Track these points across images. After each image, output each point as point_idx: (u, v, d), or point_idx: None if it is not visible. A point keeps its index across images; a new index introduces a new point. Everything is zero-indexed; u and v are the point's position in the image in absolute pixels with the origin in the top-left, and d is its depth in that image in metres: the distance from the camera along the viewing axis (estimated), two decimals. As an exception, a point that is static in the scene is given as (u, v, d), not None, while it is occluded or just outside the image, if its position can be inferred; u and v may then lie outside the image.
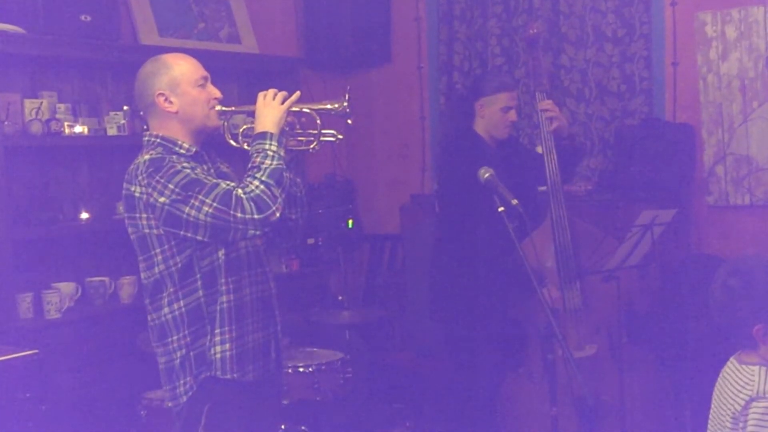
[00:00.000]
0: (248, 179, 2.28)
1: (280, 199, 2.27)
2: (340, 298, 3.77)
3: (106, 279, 3.85)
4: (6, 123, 3.47)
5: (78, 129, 3.74)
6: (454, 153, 3.46)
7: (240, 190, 2.25)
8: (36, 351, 2.96)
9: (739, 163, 4.04)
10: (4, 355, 2.87)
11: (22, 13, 3.56)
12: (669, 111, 4.27)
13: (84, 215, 3.81)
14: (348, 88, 2.48)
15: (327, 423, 3.50)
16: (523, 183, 3.31)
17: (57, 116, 3.69)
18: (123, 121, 3.89)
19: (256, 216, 2.23)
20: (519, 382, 3.38)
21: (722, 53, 4.03)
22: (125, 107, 3.94)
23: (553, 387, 2.66)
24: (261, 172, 2.28)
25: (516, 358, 3.39)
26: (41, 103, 3.65)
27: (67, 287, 3.72)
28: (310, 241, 4.61)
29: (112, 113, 3.91)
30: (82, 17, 3.70)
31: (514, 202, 2.55)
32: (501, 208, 2.59)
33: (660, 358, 3.53)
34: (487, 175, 2.64)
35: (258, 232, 2.26)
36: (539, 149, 3.71)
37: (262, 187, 2.26)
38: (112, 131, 3.87)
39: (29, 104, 3.62)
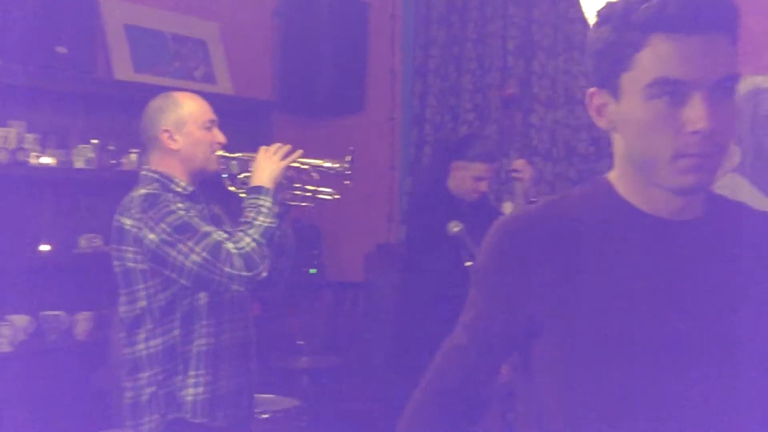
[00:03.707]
0: (240, 234, 2.30)
1: (268, 259, 2.29)
2: (300, 343, 3.74)
3: (62, 314, 3.78)
4: (-28, 150, 3.43)
5: (45, 160, 3.71)
6: (425, 205, 3.47)
7: (231, 244, 2.26)
8: (-14, 384, 2.89)
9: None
10: (-48, 387, 2.80)
11: (-3, 41, 3.55)
12: (635, 175, 4.33)
13: (44, 247, 3.75)
14: (351, 149, 2.51)
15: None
16: None
17: (24, 146, 3.65)
18: (91, 155, 3.86)
19: (244, 273, 2.24)
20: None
21: (689, 122, 4.10)
22: (94, 141, 3.91)
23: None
24: (253, 229, 2.30)
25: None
26: (9, 132, 3.61)
27: (20, 320, 3.63)
28: (273, 285, 4.58)
29: (80, 146, 3.88)
30: (58, 48, 3.68)
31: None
32: (468, 263, 2.60)
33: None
34: (456, 228, 2.66)
35: (242, 289, 2.27)
36: (506, 207, 3.73)
37: (253, 245, 2.28)
38: (79, 164, 3.84)
39: (-3, 132, 3.58)
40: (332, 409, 3.84)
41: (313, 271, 4.95)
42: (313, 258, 4.87)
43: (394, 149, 5.13)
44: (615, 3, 1.25)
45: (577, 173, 4.50)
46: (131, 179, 3.98)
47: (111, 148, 3.97)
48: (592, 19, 3.52)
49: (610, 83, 1.26)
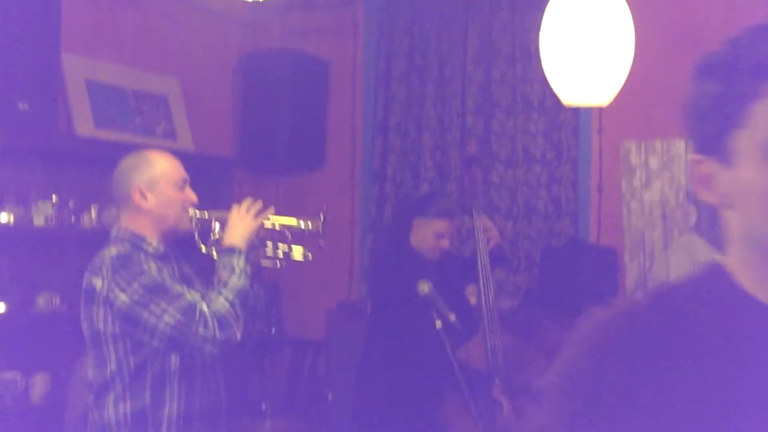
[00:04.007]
0: (214, 295, 2.27)
1: (241, 321, 2.26)
2: (263, 407, 3.68)
3: (18, 375, 3.68)
4: (-72, 207, 3.36)
5: (3, 218, 3.64)
6: (388, 263, 3.47)
7: (204, 305, 2.23)
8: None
9: (659, 288, 4.15)
10: None
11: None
12: (593, 234, 4.41)
13: (1, 307, 3.66)
14: (324, 207, 2.50)
15: None
16: (457, 294, 3.33)
17: (-19, 203, 3.59)
18: (51, 212, 3.80)
19: (218, 335, 2.21)
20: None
21: (645, 181, 4.21)
22: (54, 197, 3.86)
23: None
24: (227, 290, 2.28)
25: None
26: (-33, 188, 3.55)
27: (-26, 382, 3.54)
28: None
29: (39, 202, 3.82)
30: (20, 105, 3.64)
31: (452, 318, 2.58)
32: (438, 323, 2.61)
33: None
34: (426, 289, 2.66)
35: (215, 351, 2.23)
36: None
37: (227, 306, 2.25)
38: (38, 221, 3.77)
39: (-46, 189, 3.51)
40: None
41: (272, 331, 4.90)
42: (272, 317, 4.82)
43: (354, 206, 5.14)
44: (717, 52, 1.04)
45: (536, 232, 4.56)
46: (91, 237, 3.96)
47: (71, 204, 3.92)
48: (549, 79, 3.56)
49: (717, 147, 1.02)
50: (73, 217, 3.92)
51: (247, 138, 5.04)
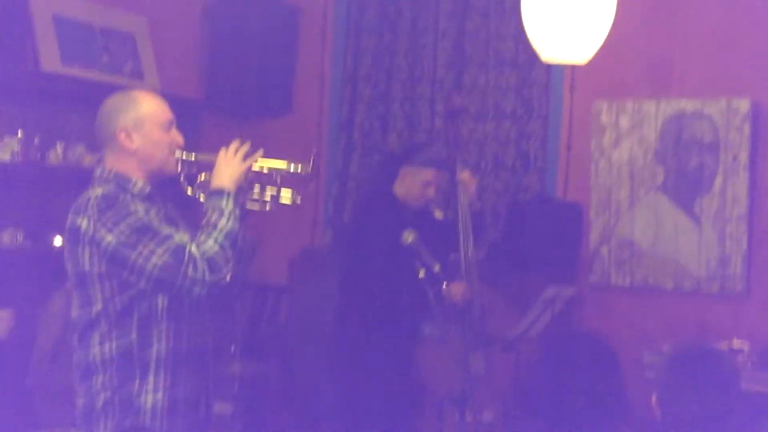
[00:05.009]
0: (203, 237, 2.25)
1: (231, 263, 2.25)
2: (232, 349, 3.69)
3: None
4: None
5: (-32, 151, 3.55)
6: (372, 212, 3.48)
7: (194, 247, 2.21)
8: None
9: (622, 246, 4.25)
10: None
11: None
12: (560, 190, 4.46)
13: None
14: (315, 151, 2.48)
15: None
16: (438, 245, 3.36)
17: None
18: (16, 148, 3.72)
19: (207, 277, 2.20)
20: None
21: (615, 141, 4.27)
22: (20, 133, 3.77)
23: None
24: (217, 232, 2.26)
25: (412, 424, 3.38)
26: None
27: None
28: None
29: (6, 138, 3.73)
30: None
31: (437, 267, 2.61)
32: (421, 273, 2.64)
33: None
34: (410, 238, 2.69)
35: (203, 293, 2.22)
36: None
37: (216, 248, 2.24)
38: (4, 157, 3.69)
39: None
40: (266, 415, 3.80)
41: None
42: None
43: (320, 154, 5.11)
44: None
45: (503, 186, 4.61)
46: (56, 173, 3.90)
47: (36, 141, 3.84)
48: (529, 34, 3.56)
49: None
50: (38, 154, 3.84)
51: (214, 80, 4.96)
